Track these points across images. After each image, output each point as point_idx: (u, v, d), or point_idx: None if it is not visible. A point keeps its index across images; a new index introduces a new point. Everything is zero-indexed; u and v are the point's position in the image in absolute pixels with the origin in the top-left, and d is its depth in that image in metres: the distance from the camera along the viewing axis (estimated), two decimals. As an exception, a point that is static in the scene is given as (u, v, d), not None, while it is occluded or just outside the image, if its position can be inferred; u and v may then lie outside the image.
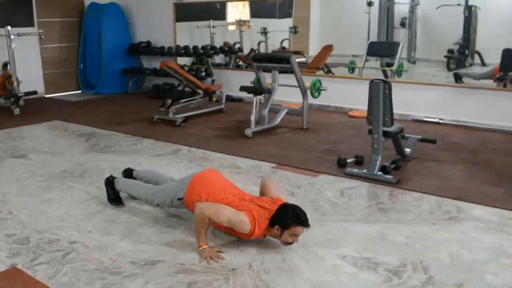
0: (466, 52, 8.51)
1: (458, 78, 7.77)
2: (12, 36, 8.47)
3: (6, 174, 5.00)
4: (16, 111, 8.00)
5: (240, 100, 8.82)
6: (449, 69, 8.49)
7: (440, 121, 7.07)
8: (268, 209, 3.29)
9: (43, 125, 7.29)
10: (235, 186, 3.64)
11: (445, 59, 8.55)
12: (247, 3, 10.07)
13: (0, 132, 6.85)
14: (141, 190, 3.96)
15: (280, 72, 6.78)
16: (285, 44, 10.28)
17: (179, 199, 3.60)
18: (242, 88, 6.77)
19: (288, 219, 3.15)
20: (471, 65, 8.55)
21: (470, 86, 7.25)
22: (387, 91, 4.60)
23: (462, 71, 8.14)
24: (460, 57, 8.53)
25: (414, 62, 9.14)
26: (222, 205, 3.28)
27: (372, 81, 4.69)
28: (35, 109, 8.50)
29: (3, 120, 7.57)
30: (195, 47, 9.59)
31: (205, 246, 3.21)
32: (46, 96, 10.00)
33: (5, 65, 8.42)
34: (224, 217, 3.19)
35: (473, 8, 8.12)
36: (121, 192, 4.12)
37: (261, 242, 3.36)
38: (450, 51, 8.56)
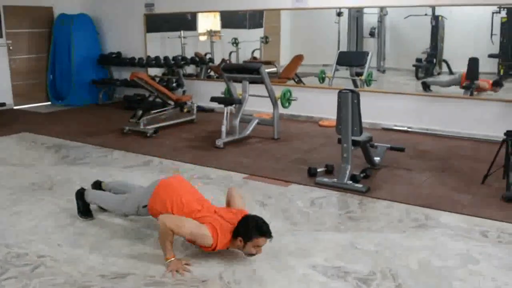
0: (434, 60, 8.67)
1: (426, 86, 7.93)
2: (-21, 47, 8.34)
3: (-27, 187, 4.91)
4: (-16, 123, 7.87)
5: (211, 110, 8.83)
6: (417, 77, 8.64)
7: (409, 129, 7.19)
8: (231, 222, 3.29)
9: (12, 137, 7.17)
10: (201, 195, 3.63)
11: (414, 68, 8.70)
12: (217, 14, 10.11)
13: (-34, 144, 6.73)
14: (109, 200, 3.95)
15: (251, 82, 6.81)
16: (256, 54, 10.33)
17: (143, 206, 3.59)
18: (213, 99, 6.78)
19: (251, 231, 3.16)
20: (439, 73, 8.71)
21: (438, 95, 7.42)
22: (355, 101, 4.67)
23: (430, 79, 8.30)
24: (428, 66, 8.68)
25: (383, 71, 9.28)
26: (184, 218, 3.27)
27: (340, 91, 4.76)
28: (4, 121, 8.36)
29: (-30, 133, 7.43)
30: (166, 58, 9.57)
31: (172, 259, 3.20)
32: (15, 107, 9.83)
33: (-28, 77, 8.28)
34: (186, 229, 3.18)
35: (440, 18, 8.29)
36: (91, 204, 4.08)
37: (232, 252, 3.37)
38: (419, 60, 8.72)
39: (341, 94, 4.74)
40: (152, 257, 3.36)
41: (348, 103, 4.69)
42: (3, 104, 8.44)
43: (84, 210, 4.05)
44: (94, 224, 3.95)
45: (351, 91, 4.71)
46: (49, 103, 10.36)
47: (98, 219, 4.03)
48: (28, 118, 8.82)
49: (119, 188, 4.16)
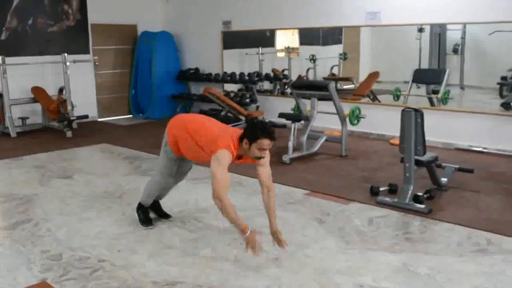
0: (520, 79, 8.29)
1: (507, 106, 7.59)
2: (68, 63, 8.92)
3: (51, 193, 5.28)
4: (68, 133, 8.41)
5: (283, 126, 8.89)
6: (502, 96, 8.28)
7: (484, 150, 6.91)
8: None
9: (92, 147, 7.62)
10: (215, 120, 3.91)
11: (498, 86, 8.35)
12: (296, 31, 10.21)
13: (52, 153, 7.22)
14: (149, 182, 4.22)
15: (320, 99, 6.83)
16: (335, 70, 10.33)
17: (166, 145, 3.90)
18: (281, 115, 6.87)
19: (255, 131, 3.37)
20: (525, 92, 8.31)
21: (517, 115, 7.08)
22: (419, 120, 4.58)
23: (510, 96, 7.92)
24: (513, 84, 8.31)
25: (463, 89, 8.99)
26: (214, 175, 3.44)
27: (404, 110, 4.69)
28: (87, 132, 8.90)
29: (56, 142, 7.97)
30: (241, 74, 9.79)
31: (247, 231, 3.32)
32: (99, 119, 10.44)
33: (60, 90, 8.88)
34: (220, 178, 3.42)
35: (526, 33, 7.93)
36: (151, 212, 4.29)
37: (280, 266, 3.40)
38: (504, 78, 8.36)
39: (404, 112, 4.66)
40: (204, 267, 3.47)
41: (412, 121, 4.61)
42: (86, 116, 8.97)
43: (145, 219, 4.25)
44: (153, 233, 4.12)
45: (415, 109, 4.63)
46: (131, 116, 10.90)
47: (158, 228, 4.21)
48: (110, 130, 9.33)
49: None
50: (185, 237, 4.03)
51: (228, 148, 3.41)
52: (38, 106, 9.18)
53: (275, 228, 3.55)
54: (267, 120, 8.14)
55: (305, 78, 10.13)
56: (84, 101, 9.83)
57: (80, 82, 9.80)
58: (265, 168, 3.63)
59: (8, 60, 8.59)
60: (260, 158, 3.46)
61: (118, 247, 3.85)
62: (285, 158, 6.41)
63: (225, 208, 3.33)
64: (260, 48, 10.50)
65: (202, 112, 9.97)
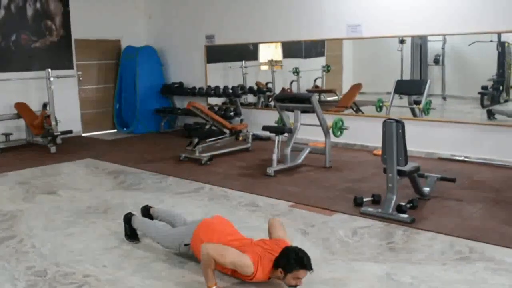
0: (501, 88, 8.42)
1: (491, 114, 7.71)
2: (51, 78, 8.91)
3: (35, 209, 5.26)
4: (53, 149, 8.37)
5: (268, 139, 8.95)
6: (483, 106, 8.40)
7: (466, 159, 7.02)
8: (271, 251, 3.34)
9: (76, 163, 7.60)
10: (241, 235, 3.70)
11: (479, 96, 8.48)
12: (279, 44, 10.30)
13: (36, 169, 7.19)
14: (153, 231, 4.07)
15: (303, 111, 6.89)
16: (319, 82, 10.42)
17: (185, 245, 3.70)
18: (264, 128, 6.92)
19: (291, 263, 3.18)
20: (506, 101, 8.45)
21: (498, 123, 7.21)
22: (400, 131, 4.65)
23: (496, 107, 8.04)
24: (494, 93, 8.44)
25: (445, 99, 9.10)
26: (226, 247, 3.34)
27: (385, 121, 4.76)
28: (71, 147, 8.86)
29: (40, 158, 7.93)
30: (225, 87, 9.84)
31: (214, 287, 3.27)
32: (84, 134, 10.40)
33: (44, 106, 8.86)
34: (228, 258, 3.24)
35: (506, 44, 8.08)
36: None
37: (267, 283, 3.42)
38: (484, 87, 8.49)
39: (386, 123, 4.74)
40: (190, 282, 3.48)
41: (393, 132, 4.68)
42: (70, 132, 8.94)
43: (131, 233, 4.24)
44: (139, 248, 4.12)
45: (396, 120, 4.70)
46: (115, 130, 10.89)
47: (144, 243, 4.21)
48: (94, 145, 9.31)
49: (165, 217, 4.30)
50: (170, 252, 4.02)
51: (254, 262, 3.25)
52: (22, 122, 9.12)
53: None
54: (251, 133, 8.16)
55: (288, 90, 10.21)
56: (68, 116, 9.79)
57: (64, 97, 9.76)
58: None
59: (-9, 76, 8.57)
60: (295, 286, 3.26)
61: (104, 262, 3.84)
62: (270, 170, 6.45)
63: (208, 264, 3.26)
64: (243, 62, 10.57)
65: (186, 126, 10.01)
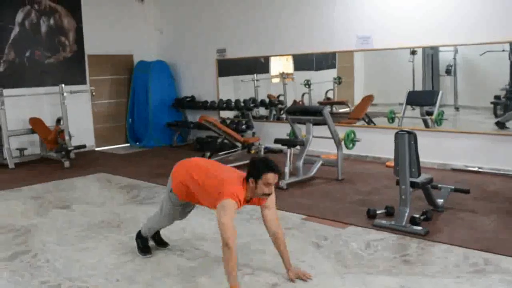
0: (514, 97, 8.36)
1: (501, 125, 7.66)
2: (65, 94, 9.01)
3: (49, 223, 5.29)
4: (66, 164, 8.43)
5: (280, 151, 8.92)
6: (496, 115, 8.35)
7: (480, 169, 6.96)
8: (242, 176, 3.54)
9: (89, 177, 7.65)
10: (218, 163, 3.93)
11: (492, 106, 8.42)
12: (290, 57, 10.33)
13: (49, 183, 7.24)
14: (153, 218, 4.21)
15: (315, 124, 6.88)
16: (330, 94, 10.42)
17: (170, 191, 3.85)
18: (276, 141, 6.92)
19: (259, 168, 3.40)
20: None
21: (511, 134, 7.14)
22: (412, 142, 4.63)
23: (506, 115, 7.98)
24: (507, 102, 8.37)
25: (458, 109, 9.05)
26: (222, 222, 3.34)
27: (397, 132, 4.74)
28: (84, 162, 8.93)
29: (54, 172, 8.00)
30: (237, 101, 9.87)
31: None
32: (97, 149, 10.48)
33: (58, 121, 8.95)
34: (227, 225, 3.32)
35: (517, 53, 8.03)
36: (149, 240, 4.30)
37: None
38: (497, 97, 8.44)
39: (398, 135, 4.72)
40: (201, 295, 3.48)
41: (405, 144, 4.66)
42: (84, 146, 9.02)
43: (143, 247, 4.26)
44: (152, 262, 4.13)
45: (408, 132, 4.68)
46: (128, 144, 10.96)
47: (157, 257, 4.21)
48: (107, 159, 9.37)
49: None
50: (183, 265, 4.03)
51: (232, 197, 3.38)
52: (36, 137, 9.23)
53: (290, 267, 3.67)
54: (263, 146, 8.17)
55: (300, 103, 10.20)
56: (82, 131, 9.91)
57: (77, 112, 9.89)
58: (270, 210, 3.64)
59: (6, 92, 8.68)
60: (268, 194, 3.46)
61: (116, 276, 3.85)
62: (282, 183, 6.44)
63: (230, 259, 3.29)
64: (255, 75, 10.60)
65: (198, 139, 10.03)
